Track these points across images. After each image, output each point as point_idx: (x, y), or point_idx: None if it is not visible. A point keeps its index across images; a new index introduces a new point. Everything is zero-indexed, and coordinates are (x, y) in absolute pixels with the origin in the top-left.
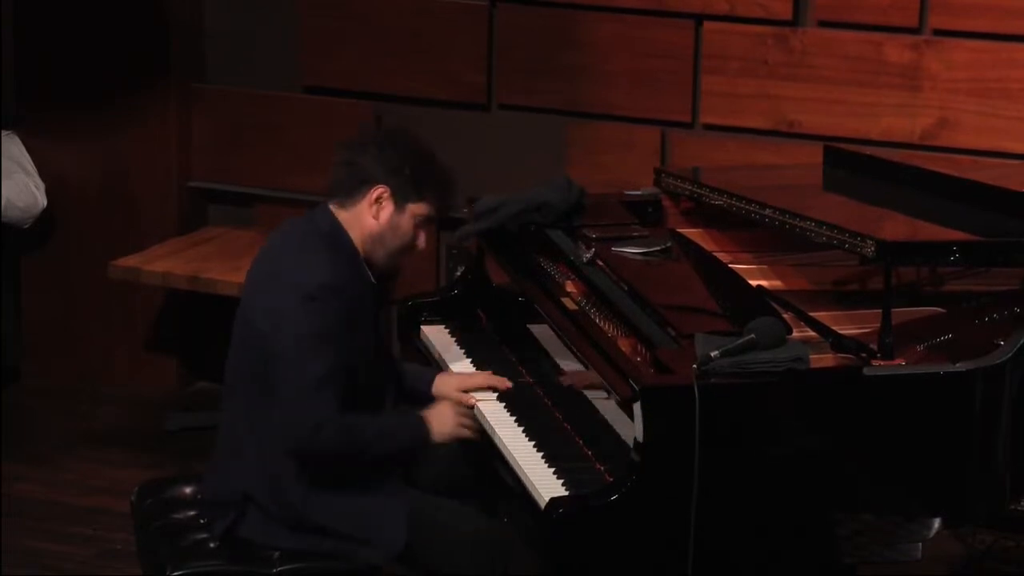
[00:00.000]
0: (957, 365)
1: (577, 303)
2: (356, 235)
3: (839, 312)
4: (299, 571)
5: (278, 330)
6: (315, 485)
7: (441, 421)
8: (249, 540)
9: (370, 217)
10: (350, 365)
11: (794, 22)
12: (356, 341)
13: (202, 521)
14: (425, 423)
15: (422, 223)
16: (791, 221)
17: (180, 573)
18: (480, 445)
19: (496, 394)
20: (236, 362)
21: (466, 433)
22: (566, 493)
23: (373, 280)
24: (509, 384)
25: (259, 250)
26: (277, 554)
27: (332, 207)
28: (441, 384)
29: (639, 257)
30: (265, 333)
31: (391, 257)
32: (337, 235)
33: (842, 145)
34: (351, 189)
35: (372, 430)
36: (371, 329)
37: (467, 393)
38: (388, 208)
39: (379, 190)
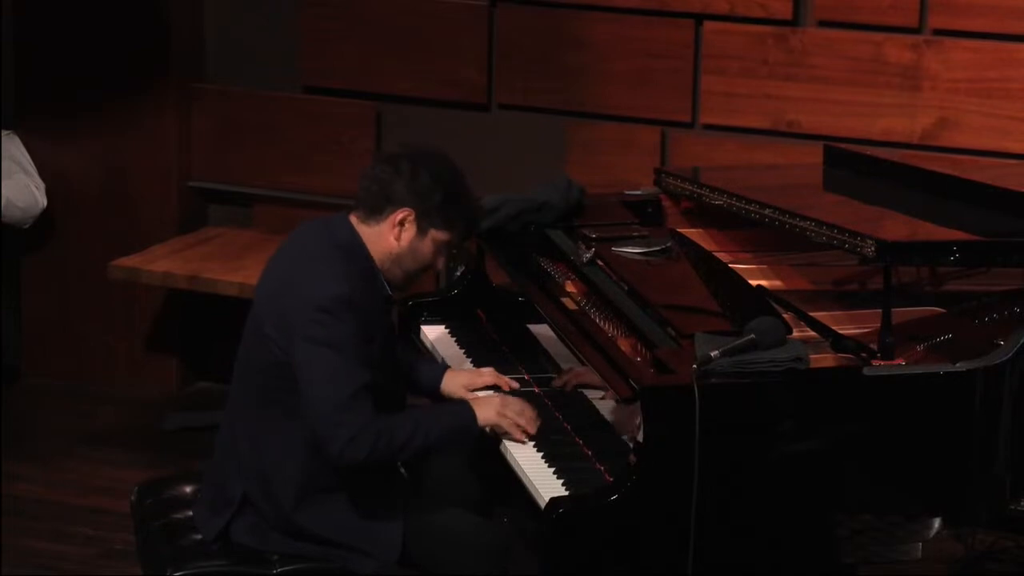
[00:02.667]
0: (957, 365)
1: (577, 303)
2: (375, 251)
3: (839, 312)
4: (299, 572)
5: (292, 343)
6: (310, 492)
7: (486, 408)
8: (242, 544)
9: (391, 237)
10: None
11: (794, 22)
12: (372, 353)
13: (196, 522)
14: (470, 408)
15: (443, 249)
16: (791, 221)
17: (180, 573)
18: (479, 446)
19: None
20: (243, 364)
21: (507, 422)
22: (566, 493)
23: (389, 292)
24: (516, 384)
25: (274, 253)
26: (276, 556)
27: (353, 219)
28: (449, 382)
29: (639, 257)
30: (275, 340)
31: (408, 276)
32: (354, 247)
33: (842, 145)
34: (377, 206)
35: (410, 428)
36: (386, 340)
37: (473, 392)
38: (410, 232)
39: (404, 213)
